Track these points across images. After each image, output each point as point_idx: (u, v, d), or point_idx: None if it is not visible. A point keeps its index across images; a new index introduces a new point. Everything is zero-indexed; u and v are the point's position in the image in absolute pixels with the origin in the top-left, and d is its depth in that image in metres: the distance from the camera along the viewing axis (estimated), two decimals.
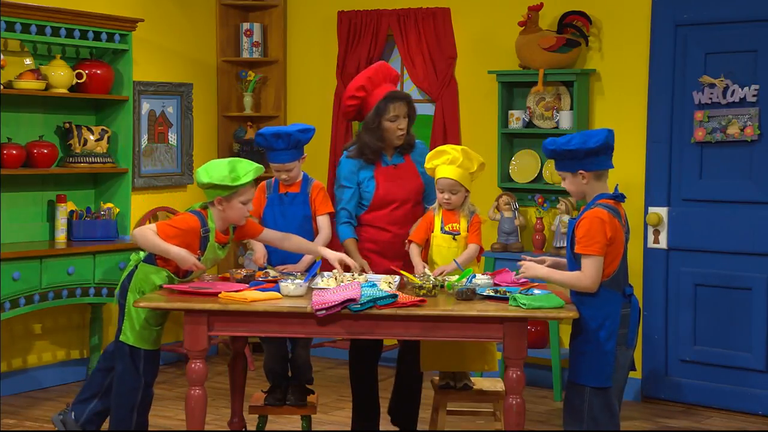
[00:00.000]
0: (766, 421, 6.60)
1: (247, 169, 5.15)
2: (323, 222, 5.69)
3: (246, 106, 8.34)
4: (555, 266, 4.94)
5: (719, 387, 6.77)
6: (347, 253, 5.62)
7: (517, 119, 7.34)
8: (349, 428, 5.84)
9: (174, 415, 6.58)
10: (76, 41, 6.92)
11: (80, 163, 7.07)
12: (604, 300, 4.72)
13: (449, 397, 5.47)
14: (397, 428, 5.86)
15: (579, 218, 4.74)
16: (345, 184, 5.69)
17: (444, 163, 5.44)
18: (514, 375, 4.75)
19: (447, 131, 7.64)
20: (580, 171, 4.75)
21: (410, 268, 5.46)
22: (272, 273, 5.37)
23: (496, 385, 5.52)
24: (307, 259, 5.63)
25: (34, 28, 6.68)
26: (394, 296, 4.79)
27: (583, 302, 4.75)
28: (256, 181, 5.29)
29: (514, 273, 5.18)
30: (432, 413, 5.58)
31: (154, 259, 5.20)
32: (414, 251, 5.54)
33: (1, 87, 6.61)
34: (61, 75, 6.92)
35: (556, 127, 7.25)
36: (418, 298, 4.84)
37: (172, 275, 5.21)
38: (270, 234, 5.45)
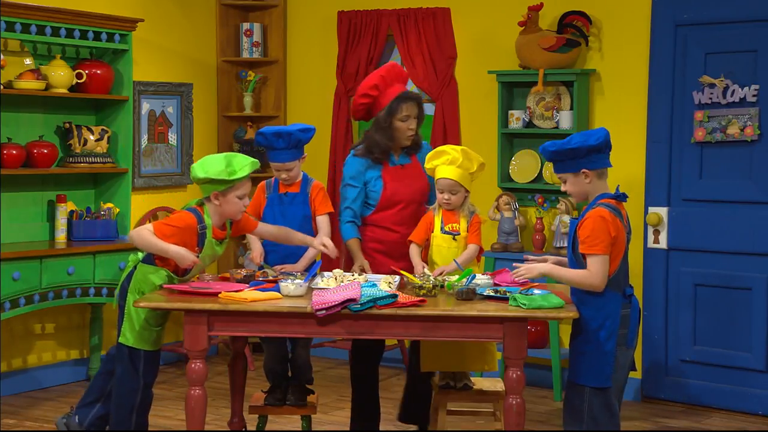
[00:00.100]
0: (766, 421, 6.60)
1: (243, 164, 5.16)
2: (323, 222, 5.69)
3: (246, 106, 8.34)
4: (556, 264, 4.94)
5: (719, 387, 6.77)
6: (350, 253, 5.63)
7: (517, 119, 7.34)
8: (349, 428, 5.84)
9: (174, 415, 6.58)
10: (76, 41, 6.92)
11: (80, 163, 7.07)
12: (605, 300, 4.72)
13: (449, 397, 5.47)
14: (397, 428, 5.86)
15: (581, 218, 4.74)
16: (351, 183, 5.70)
17: (444, 164, 5.44)
18: (514, 375, 4.75)
19: (447, 131, 7.64)
20: (584, 170, 4.75)
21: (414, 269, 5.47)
22: (270, 273, 5.37)
23: (496, 385, 5.52)
24: (305, 259, 5.64)
25: (34, 28, 6.68)
26: (394, 296, 4.79)
27: (583, 302, 4.75)
28: (256, 180, 5.30)
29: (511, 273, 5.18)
30: (432, 413, 5.58)
31: (152, 259, 5.20)
32: (414, 251, 5.54)
33: (1, 87, 6.61)
34: (61, 75, 6.92)
35: (556, 127, 7.25)
36: (418, 298, 4.84)
37: (172, 274, 5.21)
38: (265, 228, 5.47)
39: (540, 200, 7.25)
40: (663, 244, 6.93)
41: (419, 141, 5.79)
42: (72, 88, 7.02)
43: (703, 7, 6.75)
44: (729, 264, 6.72)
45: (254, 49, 8.30)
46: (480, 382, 5.54)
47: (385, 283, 5.08)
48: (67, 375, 7.37)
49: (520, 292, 4.85)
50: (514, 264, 5.08)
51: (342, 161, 7.99)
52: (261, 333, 5.11)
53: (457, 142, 7.43)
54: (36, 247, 6.76)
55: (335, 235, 5.72)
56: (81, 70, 7.03)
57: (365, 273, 5.48)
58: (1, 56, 6.57)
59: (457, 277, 5.12)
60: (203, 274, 5.47)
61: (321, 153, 8.03)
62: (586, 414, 4.74)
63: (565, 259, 4.92)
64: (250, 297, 4.87)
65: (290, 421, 6.34)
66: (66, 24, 6.83)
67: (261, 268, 5.51)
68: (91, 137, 7.12)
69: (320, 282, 5.16)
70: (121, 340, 5.20)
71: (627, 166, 6.92)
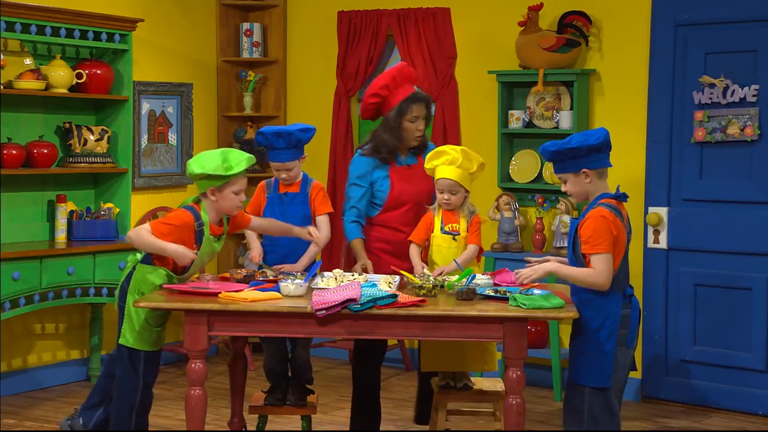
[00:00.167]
0: (766, 421, 6.60)
1: (239, 159, 5.17)
2: (322, 222, 5.69)
3: (246, 106, 8.34)
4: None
5: (719, 387, 6.77)
6: (354, 253, 5.63)
7: (517, 119, 7.34)
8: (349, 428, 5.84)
9: (174, 415, 6.58)
10: (76, 41, 6.92)
11: (80, 163, 7.07)
12: (605, 300, 4.71)
13: (449, 397, 5.47)
14: (397, 428, 5.85)
15: (582, 218, 4.74)
16: (358, 182, 5.70)
17: (443, 164, 5.44)
18: (514, 375, 4.75)
19: (447, 131, 7.64)
20: (584, 170, 4.75)
21: None
22: (270, 273, 5.37)
23: (496, 385, 5.52)
24: (305, 259, 5.64)
25: (34, 28, 6.68)
26: (394, 296, 4.79)
27: (583, 302, 4.75)
28: (257, 180, 5.30)
29: (514, 273, 5.18)
30: (432, 413, 5.58)
31: (150, 259, 5.20)
32: (414, 252, 5.54)
33: (1, 87, 6.61)
34: (61, 75, 6.92)
35: (556, 127, 7.25)
36: (418, 298, 4.84)
37: (171, 273, 5.21)
38: (257, 222, 5.50)
39: (540, 200, 7.25)
40: (663, 244, 6.93)
41: (426, 142, 5.80)
42: (72, 88, 7.02)
43: (703, 7, 6.75)
44: (729, 264, 6.72)
45: (254, 49, 8.30)
46: (480, 382, 5.54)
47: (385, 283, 5.08)
48: (67, 375, 7.37)
49: (520, 292, 4.85)
50: (516, 271, 5.06)
51: (342, 161, 8.02)
52: (261, 333, 5.11)
53: (457, 142, 7.43)
54: (36, 247, 6.76)
55: (335, 235, 5.72)
56: (81, 70, 7.03)
57: (367, 273, 5.49)
58: (1, 56, 6.57)
59: (457, 277, 5.12)
60: (203, 273, 5.47)
61: (321, 153, 8.03)
62: (586, 414, 4.74)
63: (566, 260, 4.92)
64: (250, 297, 4.87)
65: (290, 421, 6.34)
66: (66, 24, 6.83)
67: (260, 268, 5.51)
68: (91, 137, 7.12)
69: (320, 282, 5.16)
70: (121, 341, 5.20)
71: (627, 166, 6.92)
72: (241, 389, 5.73)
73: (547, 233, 7.28)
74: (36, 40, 6.78)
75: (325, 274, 5.37)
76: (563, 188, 4.87)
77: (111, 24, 7.07)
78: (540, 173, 7.34)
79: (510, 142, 7.47)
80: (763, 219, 6.61)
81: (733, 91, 6.65)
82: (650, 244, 6.97)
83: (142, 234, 5.09)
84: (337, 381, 7.45)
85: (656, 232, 6.95)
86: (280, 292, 4.97)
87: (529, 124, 7.37)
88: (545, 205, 7.25)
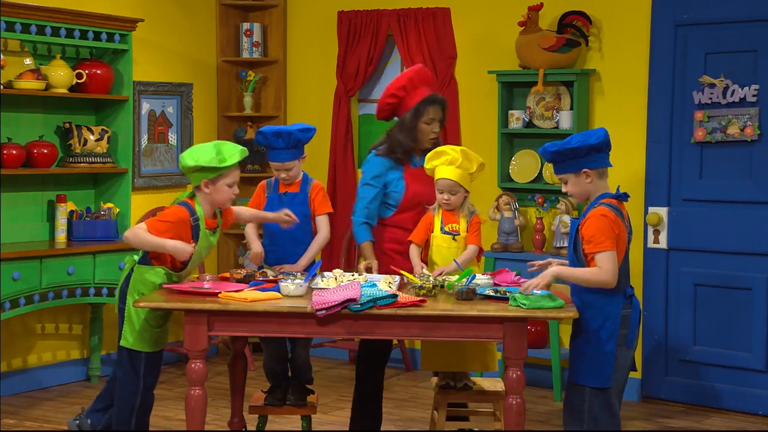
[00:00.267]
0: (766, 421, 6.60)
1: (232, 151, 5.18)
2: (322, 222, 5.70)
3: (246, 106, 8.34)
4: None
5: (719, 387, 6.77)
6: (363, 255, 5.64)
7: (517, 119, 7.34)
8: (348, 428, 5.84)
9: (174, 415, 6.58)
10: (76, 41, 6.92)
11: (80, 163, 7.07)
12: (606, 301, 4.71)
13: (449, 397, 5.47)
14: (397, 428, 5.85)
15: (583, 218, 4.73)
16: (372, 182, 5.70)
17: (443, 164, 5.44)
18: (514, 375, 4.75)
19: (447, 131, 7.63)
20: (585, 170, 4.75)
21: None
22: (270, 273, 5.37)
23: (496, 385, 5.52)
24: (305, 259, 5.64)
25: (34, 28, 6.68)
26: (394, 296, 4.79)
27: (584, 303, 4.75)
28: (257, 180, 5.30)
29: (522, 286, 5.19)
30: (432, 413, 5.58)
31: (148, 259, 5.20)
32: (413, 252, 5.54)
33: (1, 87, 6.61)
34: (61, 75, 6.92)
35: (556, 127, 7.25)
36: (418, 298, 4.84)
37: (169, 271, 5.20)
38: (236, 209, 5.51)
39: (540, 200, 7.25)
40: (663, 244, 6.93)
41: (439, 143, 5.81)
42: (72, 88, 7.02)
43: (703, 7, 6.75)
44: (729, 264, 6.72)
45: (254, 49, 8.30)
46: (480, 382, 5.54)
47: (385, 283, 5.08)
48: (67, 375, 7.37)
49: (520, 292, 4.85)
50: (522, 281, 5.06)
51: (342, 161, 8.02)
52: (261, 333, 5.11)
53: (457, 142, 7.43)
54: (36, 247, 6.76)
55: (335, 235, 5.72)
56: (81, 70, 7.03)
57: (372, 272, 5.49)
58: (1, 56, 6.57)
59: (457, 277, 5.12)
60: (203, 273, 5.46)
61: (321, 153, 8.03)
62: (586, 414, 4.74)
63: (566, 261, 4.92)
64: (250, 297, 4.87)
65: (290, 421, 6.34)
66: (66, 24, 6.83)
67: (261, 268, 5.52)
68: (91, 137, 7.12)
69: (320, 282, 5.16)
70: (122, 343, 5.19)
71: (627, 166, 6.92)
72: (241, 389, 5.73)
73: (547, 233, 7.28)
74: (36, 40, 6.78)
75: (325, 274, 5.37)
76: (564, 189, 4.87)
77: (111, 24, 7.07)
78: (540, 173, 7.34)
79: (510, 142, 7.47)
80: (763, 219, 6.61)
81: (733, 91, 6.65)
82: (650, 244, 6.97)
83: (139, 233, 5.09)
84: (337, 381, 7.45)
85: (656, 232, 6.95)
86: (280, 292, 4.97)
87: (529, 124, 7.37)
88: (545, 205, 7.26)
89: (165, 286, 5.11)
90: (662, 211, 6.93)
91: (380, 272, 5.55)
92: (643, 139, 7.01)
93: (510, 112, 7.37)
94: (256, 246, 5.71)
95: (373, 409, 5.73)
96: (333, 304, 4.74)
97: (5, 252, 6.45)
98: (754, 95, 6.59)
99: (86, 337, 7.45)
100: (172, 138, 7.98)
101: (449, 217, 5.51)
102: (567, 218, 7.03)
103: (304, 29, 8.34)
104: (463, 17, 7.66)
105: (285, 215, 5.54)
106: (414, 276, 5.23)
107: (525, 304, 4.72)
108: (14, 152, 6.70)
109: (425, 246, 5.56)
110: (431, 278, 5.08)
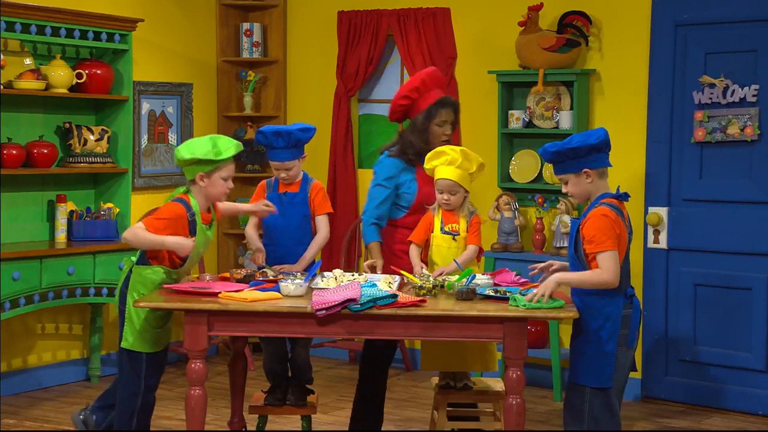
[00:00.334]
0: (766, 421, 6.60)
1: (228, 145, 5.19)
2: (322, 222, 5.69)
3: (246, 106, 8.34)
4: (562, 270, 4.92)
5: (719, 387, 6.77)
6: (370, 255, 5.64)
7: (517, 119, 7.34)
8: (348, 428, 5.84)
9: (174, 415, 6.58)
10: (76, 41, 6.92)
11: (80, 163, 7.07)
12: (606, 301, 4.71)
13: (449, 397, 5.47)
14: (398, 428, 5.84)
15: (583, 218, 4.73)
16: (384, 183, 5.69)
17: (443, 164, 5.44)
18: (514, 375, 4.74)
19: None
20: (585, 170, 4.75)
21: None
22: (270, 273, 5.37)
23: (496, 385, 5.52)
24: (305, 259, 5.64)
25: (34, 28, 6.68)
26: (394, 296, 4.79)
27: (584, 303, 4.75)
28: (257, 179, 5.29)
29: (518, 277, 5.17)
30: (432, 413, 5.58)
31: (146, 259, 5.20)
32: (413, 252, 5.54)
33: (1, 87, 6.61)
34: (61, 75, 6.92)
35: (556, 127, 7.25)
36: (418, 298, 4.84)
37: (168, 269, 5.20)
38: (222, 206, 5.52)
39: (540, 200, 7.25)
40: (663, 244, 6.93)
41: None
42: (72, 88, 7.02)
43: (703, 7, 6.75)
44: (729, 264, 6.72)
45: (254, 49, 8.30)
46: (480, 382, 5.54)
47: (385, 283, 5.08)
48: (67, 375, 7.37)
49: (520, 292, 4.85)
50: (522, 281, 5.06)
51: (342, 161, 8.03)
52: (261, 333, 5.11)
53: (457, 142, 7.42)
54: (36, 247, 6.76)
55: (335, 235, 5.72)
56: (81, 70, 7.03)
57: (375, 271, 5.49)
58: (1, 56, 6.57)
59: (457, 277, 5.12)
60: (203, 273, 5.46)
61: (321, 153, 8.03)
62: (586, 414, 4.73)
63: (567, 264, 4.92)
64: (250, 297, 4.87)
65: (290, 421, 6.34)
66: (66, 24, 6.83)
67: (261, 268, 5.51)
68: (91, 137, 7.12)
69: (320, 282, 5.16)
70: (122, 344, 5.19)
71: (627, 166, 6.92)
72: (241, 389, 5.73)
73: (547, 233, 7.28)
74: (36, 40, 6.78)
75: (325, 274, 5.37)
76: (564, 189, 4.86)
77: (111, 24, 7.07)
78: (540, 173, 7.34)
79: (510, 142, 7.47)
80: (763, 219, 6.61)
81: (733, 91, 6.65)
82: (650, 244, 6.97)
83: (138, 232, 5.08)
84: (337, 381, 7.45)
85: (656, 232, 6.95)
86: (280, 292, 4.97)
87: (529, 124, 7.37)
88: (545, 205, 7.26)
89: (165, 286, 5.11)
90: (662, 211, 6.93)
91: (385, 272, 5.55)
92: (643, 139, 7.01)
93: (510, 112, 7.37)
94: (257, 247, 5.70)
95: (375, 410, 5.72)
96: (333, 304, 4.73)
97: (5, 252, 6.45)
98: (754, 95, 6.59)
99: (86, 337, 7.45)
100: (172, 138, 7.98)
101: (449, 217, 5.51)
102: (567, 218, 7.03)
103: (304, 29, 8.34)
104: (463, 17, 7.66)
105: (264, 205, 5.58)
106: (414, 276, 5.23)
107: (525, 305, 4.72)
108: (14, 152, 6.70)
109: (425, 246, 5.56)
110: (431, 278, 5.08)
